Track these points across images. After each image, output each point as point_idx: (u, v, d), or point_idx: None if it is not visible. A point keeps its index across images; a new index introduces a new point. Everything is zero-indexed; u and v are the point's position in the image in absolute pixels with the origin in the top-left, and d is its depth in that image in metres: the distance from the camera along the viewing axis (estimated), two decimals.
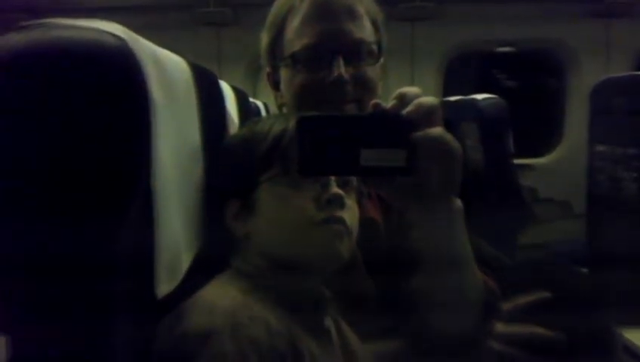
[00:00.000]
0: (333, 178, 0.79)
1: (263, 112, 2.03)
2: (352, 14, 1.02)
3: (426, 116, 0.71)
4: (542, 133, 3.88)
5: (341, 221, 0.78)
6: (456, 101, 3.11)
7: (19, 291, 0.53)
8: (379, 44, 1.06)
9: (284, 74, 1.07)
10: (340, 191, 0.78)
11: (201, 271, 0.76)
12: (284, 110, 1.11)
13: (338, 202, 0.78)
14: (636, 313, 1.40)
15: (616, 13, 3.52)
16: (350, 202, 0.81)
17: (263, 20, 1.13)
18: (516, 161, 3.09)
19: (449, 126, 0.74)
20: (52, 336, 0.53)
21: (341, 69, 0.97)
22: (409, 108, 0.72)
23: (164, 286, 0.64)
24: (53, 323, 0.53)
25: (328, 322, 0.82)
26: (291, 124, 0.79)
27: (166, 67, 0.65)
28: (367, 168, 0.68)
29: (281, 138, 0.79)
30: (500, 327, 0.99)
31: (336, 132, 0.68)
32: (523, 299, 1.03)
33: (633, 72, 3.12)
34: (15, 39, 0.52)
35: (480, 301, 0.91)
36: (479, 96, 2.93)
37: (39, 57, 0.51)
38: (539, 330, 0.98)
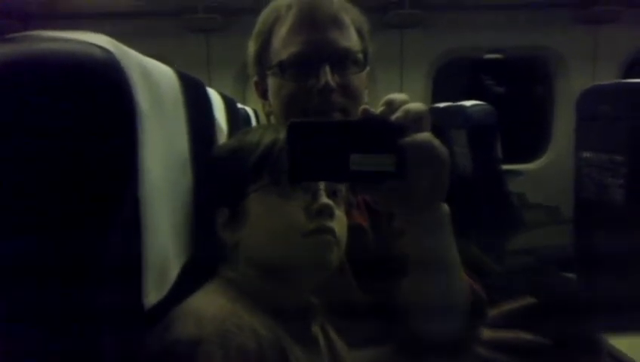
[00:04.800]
0: (322, 188, 0.79)
1: (253, 119, 2.03)
2: (337, 23, 1.03)
3: (414, 122, 0.72)
4: (530, 139, 3.91)
5: (331, 231, 0.78)
6: (444, 107, 3.13)
7: (4, 301, 0.53)
8: (365, 52, 1.07)
9: (271, 82, 1.07)
10: (330, 202, 0.79)
11: (190, 279, 0.76)
12: (272, 118, 1.11)
13: (328, 212, 0.78)
14: (622, 319, 1.41)
15: (604, 20, 3.55)
16: (339, 212, 0.81)
17: (252, 27, 1.13)
18: (504, 167, 3.11)
19: (437, 132, 0.74)
20: (39, 346, 0.53)
21: (328, 78, 0.98)
22: (397, 114, 0.73)
23: (152, 296, 0.65)
24: (40, 334, 0.53)
25: (316, 330, 0.82)
26: (281, 134, 0.80)
27: (153, 77, 0.65)
28: (357, 173, 0.68)
29: (271, 149, 0.80)
30: (486, 332, 1.00)
31: (325, 138, 0.68)
32: (509, 305, 1.03)
33: (620, 80, 3.14)
34: (1, 51, 0.52)
35: (467, 306, 0.91)
36: (467, 103, 2.95)
37: (26, 70, 0.51)
38: (525, 336, 0.99)
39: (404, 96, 0.76)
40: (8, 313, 0.53)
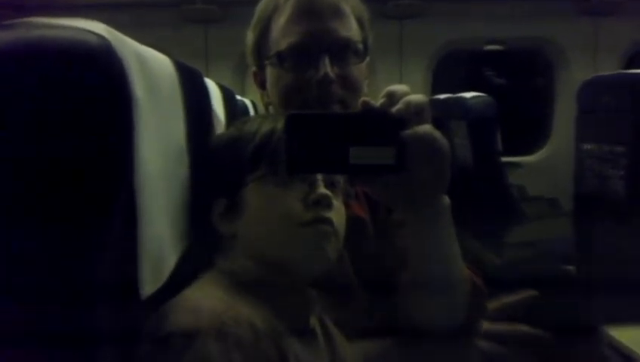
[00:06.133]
0: (320, 178, 0.79)
1: (251, 110, 2.03)
2: (337, 13, 1.02)
3: (414, 114, 0.71)
4: (530, 130, 3.91)
5: (328, 222, 0.78)
6: (444, 99, 3.13)
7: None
8: (365, 42, 1.06)
9: (270, 73, 1.07)
10: (328, 192, 0.78)
11: (187, 270, 0.76)
12: (271, 109, 1.11)
13: (325, 203, 0.78)
14: (622, 310, 1.41)
15: (605, 11, 3.54)
16: (337, 203, 0.81)
17: (250, 17, 1.12)
18: (504, 159, 3.11)
19: (438, 124, 0.74)
20: (34, 337, 0.53)
21: (327, 68, 0.97)
22: (398, 106, 0.72)
23: (149, 286, 0.64)
24: (36, 324, 0.53)
25: (314, 322, 0.82)
26: (280, 124, 0.79)
27: (150, 66, 0.64)
28: (356, 166, 0.67)
29: (269, 138, 0.79)
30: (486, 325, 0.99)
31: (325, 130, 0.67)
32: (509, 298, 1.03)
33: (621, 71, 3.13)
34: None
35: (467, 299, 0.91)
36: (468, 95, 2.94)
37: (21, 56, 0.51)
38: (524, 328, 0.98)
39: (404, 88, 0.75)
40: (4, 304, 0.53)
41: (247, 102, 2.07)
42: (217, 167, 0.84)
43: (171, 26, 3.35)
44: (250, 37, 1.13)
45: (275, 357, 0.69)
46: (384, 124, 0.69)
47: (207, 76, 1.05)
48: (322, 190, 0.78)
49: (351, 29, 1.04)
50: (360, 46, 1.04)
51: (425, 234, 0.81)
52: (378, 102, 0.75)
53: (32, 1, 2.77)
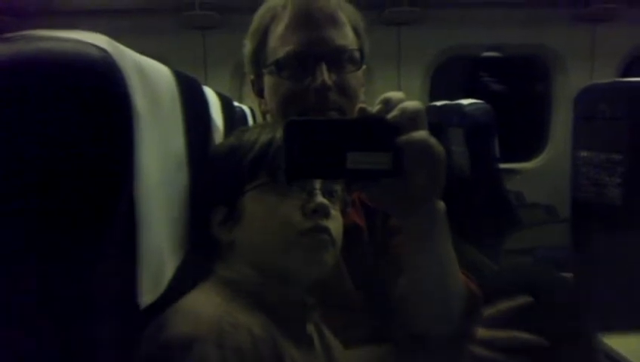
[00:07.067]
0: (318, 187, 0.80)
1: (249, 117, 2.02)
2: (334, 22, 1.03)
3: (410, 120, 0.72)
4: (527, 137, 3.91)
5: (326, 230, 0.78)
6: (442, 106, 3.12)
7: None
8: (361, 50, 1.07)
9: (267, 81, 1.07)
10: (326, 201, 0.79)
11: (186, 278, 0.76)
12: (268, 117, 1.11)
13: (323, 211, 0.78)
14: (617, 318, 1.41)
15: (602, 18, 3.54)
16: (335, 212, 0.81)
17: (249, 24, 1.13)
18: (502, 166, 3.10)
19: (434, 131, 0.74)
20: (34, 346, 0.53)
21: (324, 76, 0.98)
22: (394, 113, 0.73)
23: (148, 295, 0.64)
24: (36, 333, 0.53)
25: (311, 329, 0.83)
26: (278, 133, 0.80)
27: (150, 77, 0.65)
28: (353, 171, 0.68)
29: (268, 147, 0.80)
30: (482, 331, 1.00)
31: (322, 136, 0.68)
32: (505, 304, 1.04)
33: (618, 78, 3.14)
34: None
35: (462, 305, 0.91)
36: (465, 101, 2.94)
37: (21, 70, 0.51)
38: (521, 335, 0.99)
39: (400, 95, 0.76)
40: (5, 310, 0.53)
41: (246, 108, 2.07)
42: (217, 175, 0.85)
43: (170, 32, 3.35)
44: (247, 45, 1.13)
45: None
46: (380, 130, 0.70)
47: (206, 83, 1.06)
48: (320, 199, 0.79)
49: (347, 38, 1.04)
50: (356, 54, 1.05)
51: (420, 239, 0.82)
52: (374, 108, 0.76)
53: (32, 7, 2.77)
